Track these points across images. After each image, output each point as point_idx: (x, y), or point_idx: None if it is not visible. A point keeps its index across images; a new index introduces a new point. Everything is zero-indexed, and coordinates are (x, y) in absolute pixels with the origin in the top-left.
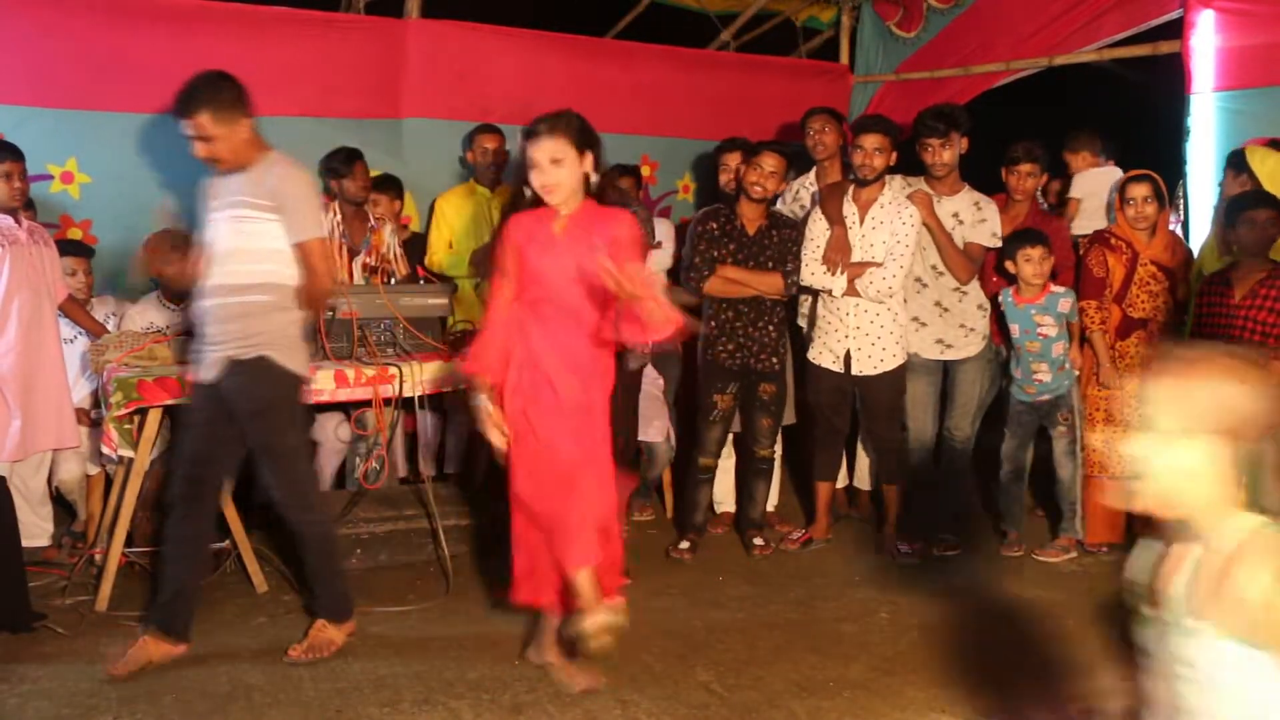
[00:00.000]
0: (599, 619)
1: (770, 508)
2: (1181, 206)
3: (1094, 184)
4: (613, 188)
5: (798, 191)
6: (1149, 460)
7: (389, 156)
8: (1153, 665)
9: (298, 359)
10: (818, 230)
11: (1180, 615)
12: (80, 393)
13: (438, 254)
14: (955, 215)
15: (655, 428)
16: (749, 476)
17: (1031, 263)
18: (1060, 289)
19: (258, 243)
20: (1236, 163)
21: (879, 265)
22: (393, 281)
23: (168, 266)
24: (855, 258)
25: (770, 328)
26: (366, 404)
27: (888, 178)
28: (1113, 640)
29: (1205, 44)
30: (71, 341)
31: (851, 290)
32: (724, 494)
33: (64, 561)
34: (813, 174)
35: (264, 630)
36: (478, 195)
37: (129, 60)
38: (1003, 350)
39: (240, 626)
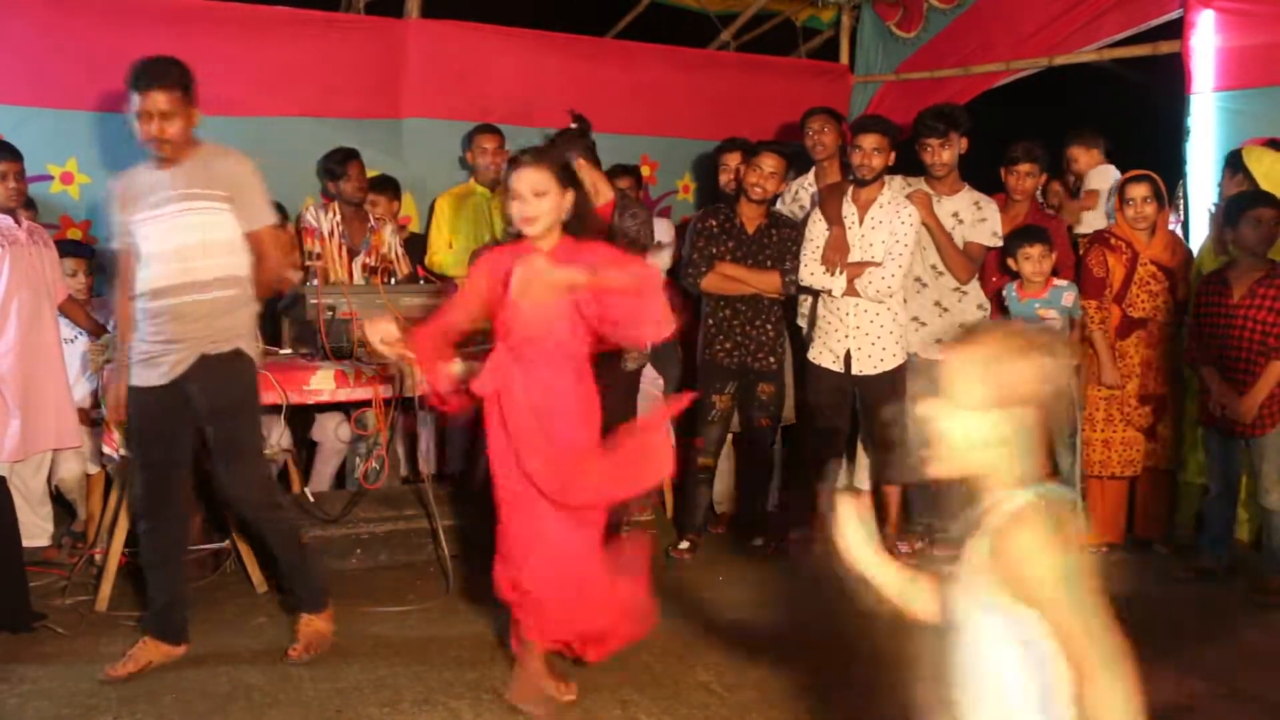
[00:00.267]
0: (531, 699)
1: (770, 508)
2: (1181, 207)
3: (1108, 179)
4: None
5: (796, 192)
6: (943, 429)
7: (389, 157)
8: (939, 622)
9: (256, 351)
10: (817, 230)
11: (964, 576)
12: (80, 392)
13: (438, 254)
14: (955, 215)
15: None
16: (748, 476)
17: (1031, 260)
18: (1064, 283)
19: (215, 235)
20: (1233, 163)
21: (878, 265)
22: (393, 281)
23: None
24: (854, 258)
25: (768, 326)
26: (366, 404)
27: (887, 178)
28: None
29: (1205, 44)
30: (72, 341)
31: (851, 290)
32: (724, 494)
33: (64, 561)
34: (811, 174)
35: (264, 630)
36: (477, 195)
37: (129, 60)
38: None
39: (240, 626)
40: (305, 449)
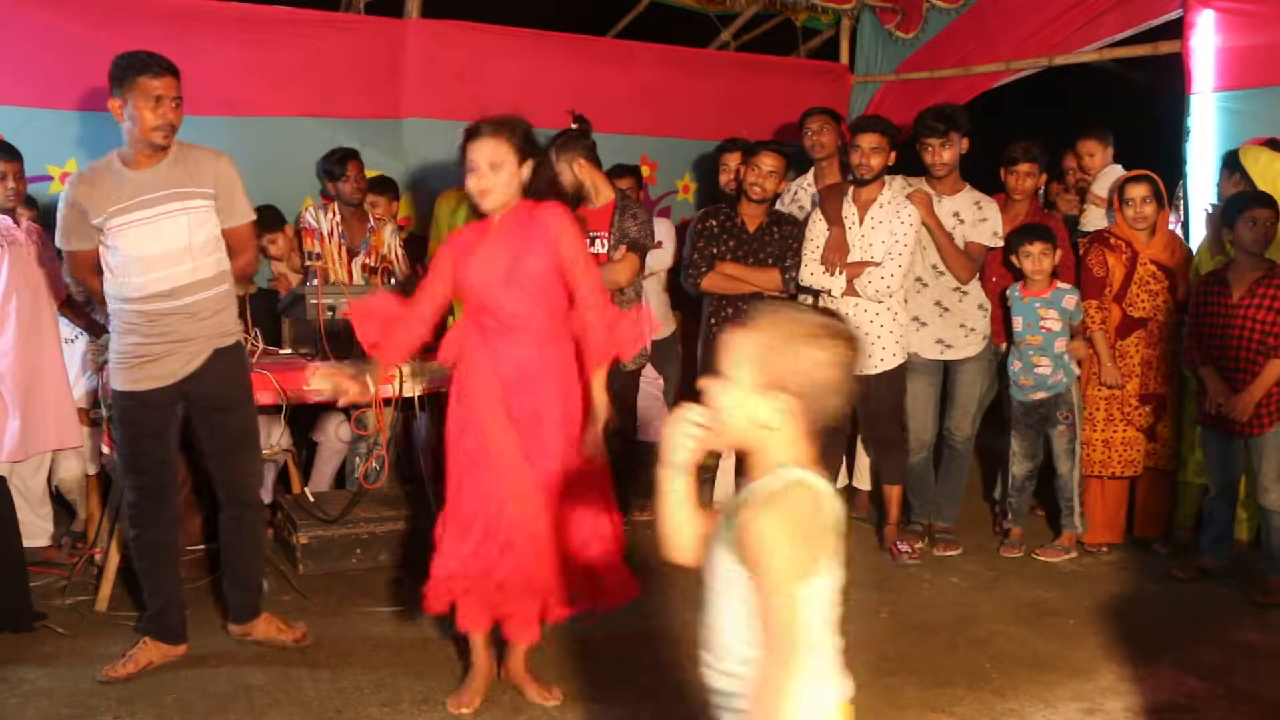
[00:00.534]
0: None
1: None
2: (1181, 207)
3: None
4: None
5: (796, 193)
6: (724, 406)
7: (389, 157)
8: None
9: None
10: (817, 231)
11: (721, 535)
12: (80, 392)
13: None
14: (956, 215)
15: (655, 428)
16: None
17: (1032, 258)
18: (1066, 286)
19: (210, 233)
20: (1230, 163)
21: (877, 265)
22: (393, 281)
23: None
24: (855, 258)
25: None
26: (366, 404)
27: (887, 177)
28: (1113, 641)
29: (1205, 44)
30: (72, 341)
31: (850, 290)
32: (724, 494)
33: (64, 561)
34: (811, 175)
35: None
36: None
37: None
38: (1000, 349)
39: None
40: (305, 449)
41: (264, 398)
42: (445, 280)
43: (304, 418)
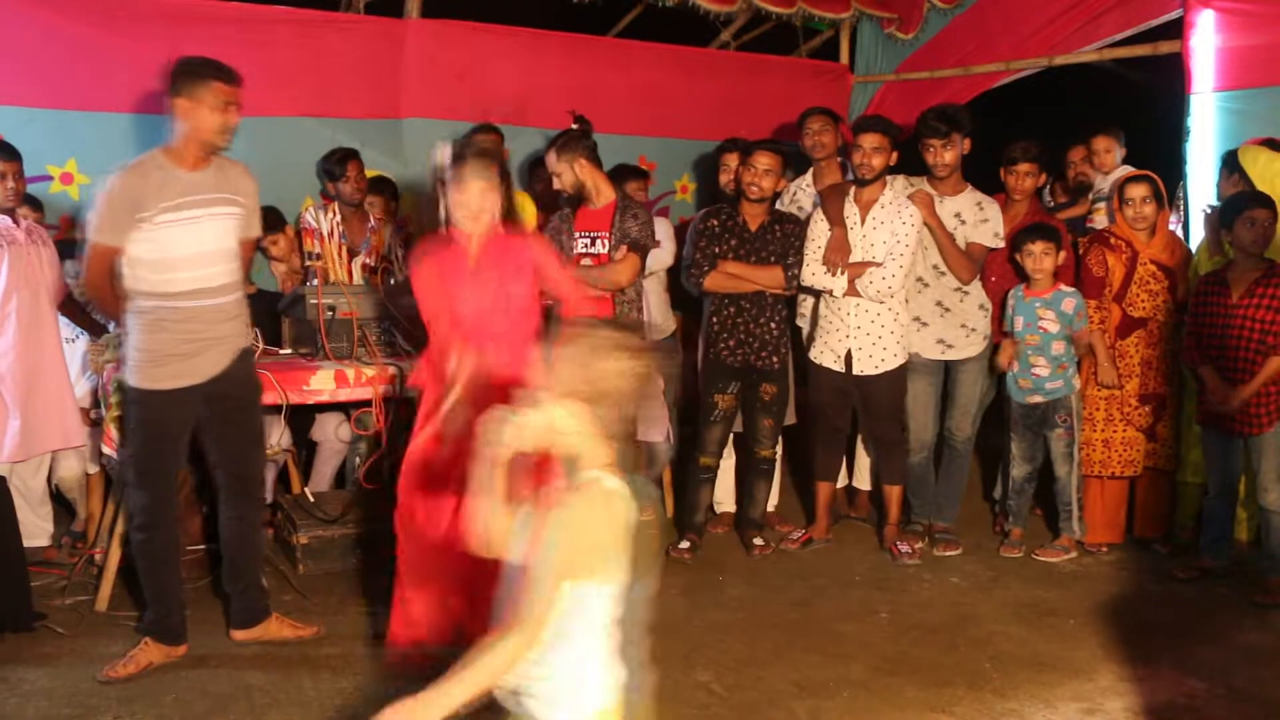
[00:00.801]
0: None
1: (770, 508)
2: (1181, 207)
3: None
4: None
5: (795, 193)
6: (531, 413)
7: (389, 157)
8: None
9: None
10: (819, 231)
11: (528, 524)
12: (80, 392)
13: None
14: (957, 215)
15: (655, 428)
16: (749, 477)
17: (1033, 257)
18: (1068, 289)
19: (236, 239)
20: (1230, 163)
21: (879, 265)
22: (393, 282)
23: None
24: (856, 258)
25: (772, 325)
26: (366, 404)
27: (889, 178)
28: (1113, 641)
29: (1205, 44)
30: (73, 341)
31: (852, 290)
32: (724, 494)
33: (64, 561)
34: (810, 175)
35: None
36: None
37: (129, 61)
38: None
39: None
40: (305, 449)
41: (265, 398)
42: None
43: (304, 418)
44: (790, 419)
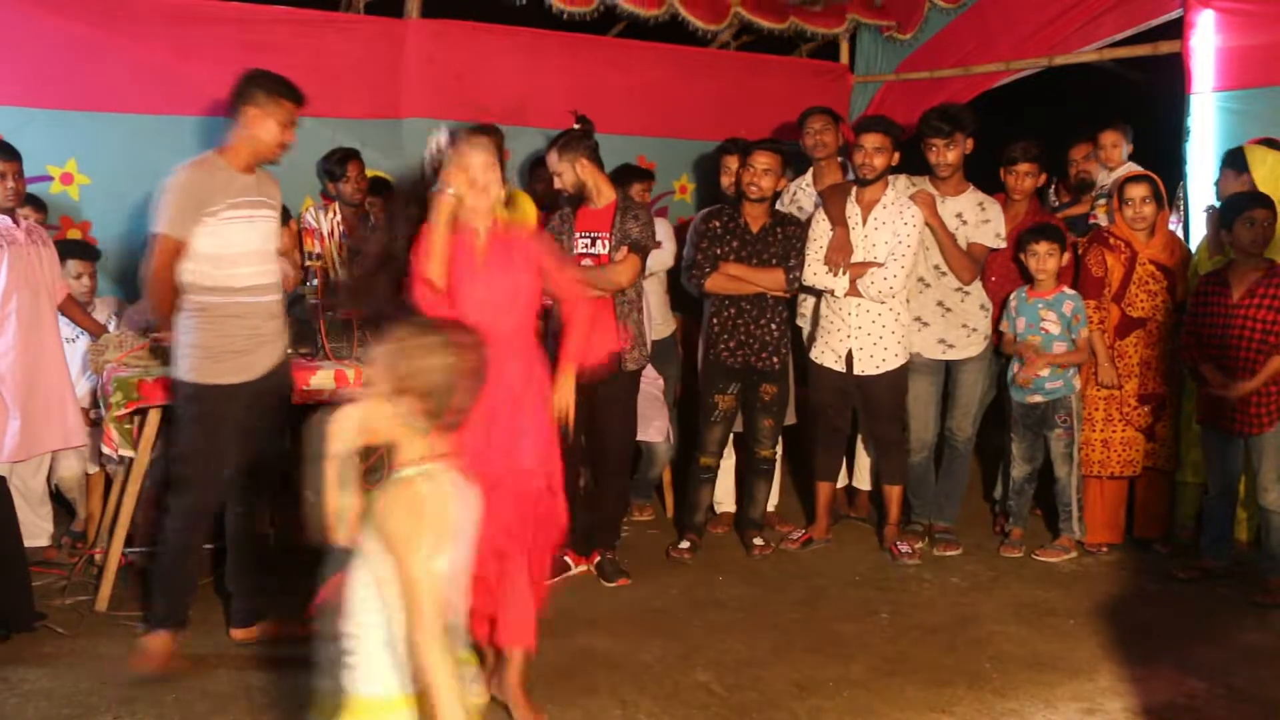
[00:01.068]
0: None
1: (770, 508)
2: (1182, 207)
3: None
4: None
5: (795, 193)
6: (366, 408)
7: (389, 157)
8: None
9: None
10: (820, 231)
11: (369, 521)
12: (80, 391)
13: None
14: (959, 215)
15: (655, 428)
16: (750, 477)
17: (1037, 257)
18: (1070, 291)
19: (275, 242)
20: (1237, 162)
21: (881, 265)
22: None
23: None
24: (858, 258)
25: (773, 326)
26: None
27: (891, 177)
28: (1113, 641)
29: (1205, 44)
30: (73, 341)
31: (854, 290)
32: (724, 494)
33: (64, 562)
34: (810, 175)
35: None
36: None
37: (129, 61)
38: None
39: None
40: None
41: None
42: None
43: (304, 418)
44: (790, 419)
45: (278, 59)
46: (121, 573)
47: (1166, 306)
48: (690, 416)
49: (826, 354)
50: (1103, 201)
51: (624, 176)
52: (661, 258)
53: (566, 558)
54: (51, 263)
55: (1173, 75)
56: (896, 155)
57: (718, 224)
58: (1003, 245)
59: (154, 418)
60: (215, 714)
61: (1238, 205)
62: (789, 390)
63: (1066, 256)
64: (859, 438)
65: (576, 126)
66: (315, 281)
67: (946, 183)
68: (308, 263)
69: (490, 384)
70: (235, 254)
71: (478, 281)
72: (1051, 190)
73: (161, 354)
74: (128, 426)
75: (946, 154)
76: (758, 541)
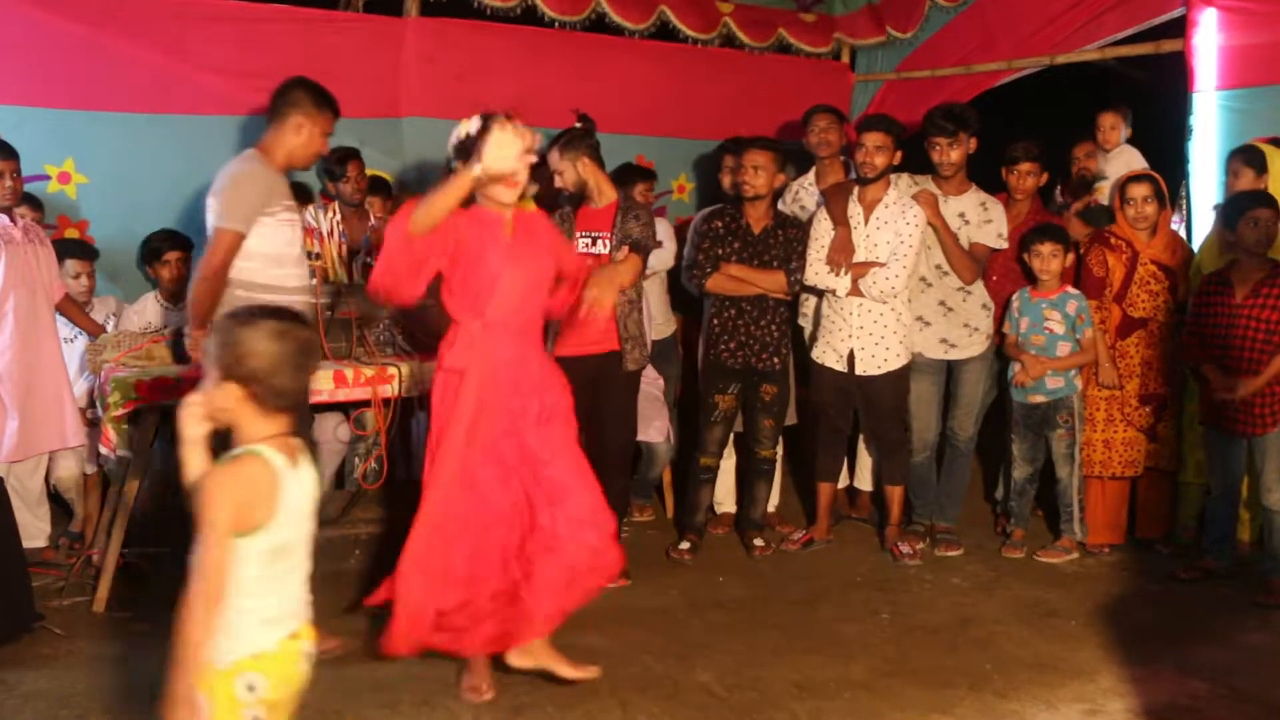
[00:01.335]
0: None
1: (771, 508)
2: (1184, 206)
3: (1126, 165)
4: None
5: (797, 192)
6: (204, 394)
7: (389, 156)
8: None
9: None
10: (822, 230)
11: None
12: (77, 391)
13: None
14: (961, 215)
15: (655, 428)
16: (750, 477)
17: (1041, 258)
18: (1074, 291)
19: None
20: (1256, 162)
21: (882, 265)
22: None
23: None
24: (860, 257)
25: (773, 327)
26: (366, 404)
27: (893, 177)
28: (1115, 641)
29: (1208, 42)
30: (71, 341)
31: (855, 290)
32: (724, 494)
33: (61, 562)
34: (812, 174)
35: None
36: None
37: (127, 60)
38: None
39: None
40: None
41: None
42: (462, 279)
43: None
44: (791, 419)
45: (277, 58)
46: (119, 574)
47: (1168, 306)
48: (690, 417)
49: (828, 354)
50: (1102, 184)
51: (627, 176)
52: (662, 257)
53: None
54: (49, 262)
55: (1175, 74)
56: (898, 154)
57: (720, 224)
58: (1005, 245)
59: (152, 418)
60: None
61: (1241, 205)
62: (789, 390)
63: (1070, 256)
64: (860, 438)
65: (578, 125)
66: (315, 281)
67: (949, 182)
68: (307, 263)
69: (508, 379)
70: (283, 254)
71: (510, 262)
72: (1057, 191)
73: (164, 353)
74: (125, 427)
75: (950, 153)
76: (758, 542)
